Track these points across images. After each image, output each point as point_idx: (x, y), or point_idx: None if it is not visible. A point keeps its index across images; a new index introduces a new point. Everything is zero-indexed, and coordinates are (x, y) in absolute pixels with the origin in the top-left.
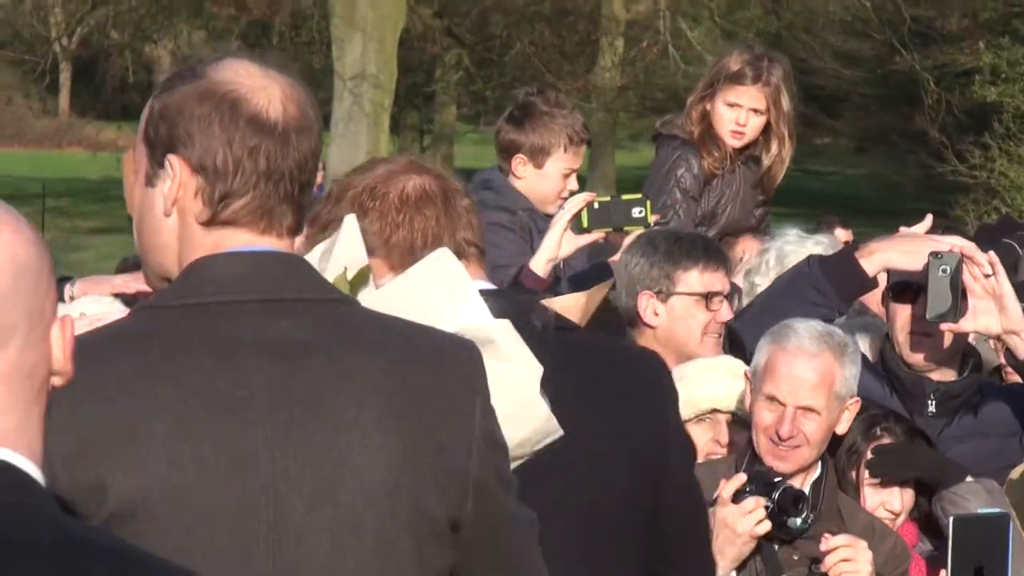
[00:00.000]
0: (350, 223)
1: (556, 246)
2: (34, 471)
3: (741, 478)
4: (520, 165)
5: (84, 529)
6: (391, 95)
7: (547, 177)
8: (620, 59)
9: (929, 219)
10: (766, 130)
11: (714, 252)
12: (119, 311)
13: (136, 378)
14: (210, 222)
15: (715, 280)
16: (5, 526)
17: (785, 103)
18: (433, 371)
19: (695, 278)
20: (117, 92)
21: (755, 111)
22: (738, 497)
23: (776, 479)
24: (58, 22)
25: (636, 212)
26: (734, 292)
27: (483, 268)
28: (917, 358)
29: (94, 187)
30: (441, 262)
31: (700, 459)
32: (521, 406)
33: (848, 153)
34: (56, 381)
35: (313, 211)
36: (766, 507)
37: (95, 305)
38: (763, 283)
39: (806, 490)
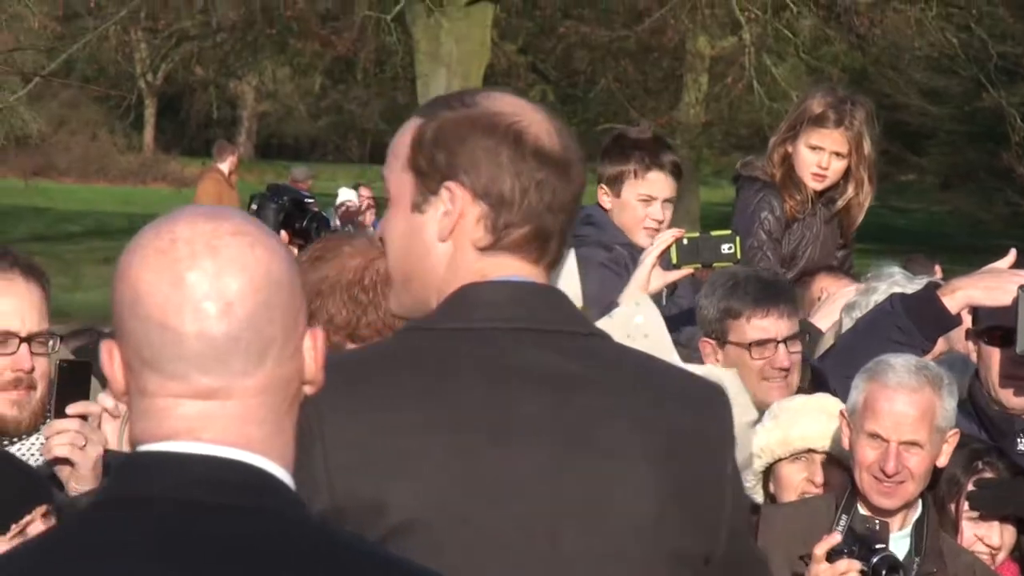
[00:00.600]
0: (571, 260)
1: (644, 282)
2: (287, 478)
3: (836, 538)
4: (604, 196)
5: (347, 535)
6: None
7: (626, 205)
8: (704, 95)
9: (1013, 254)
10: (846, 173)
11: (769, 296)
12: None
13: (412, 395)
14: (488, 248)
15: (768, 326)
16: (264, 530)
17: (867, 146)
18: (694, 410)
19: (745, 327)
20: (201, 128)
21: (837, 154)
22: (832, 557)
23: (877, 545)
24: (143, 58)
25: (726, 248)
26: (805, 332)
27: None
28: (1011, 399)
29: None
30: (640, 307)
31: (795, 498)
32: (740, 445)
33: (933, 190)
34: (307, 390)
35: None
36: (862, 571)
37: None
38: None
39: (909, 529)
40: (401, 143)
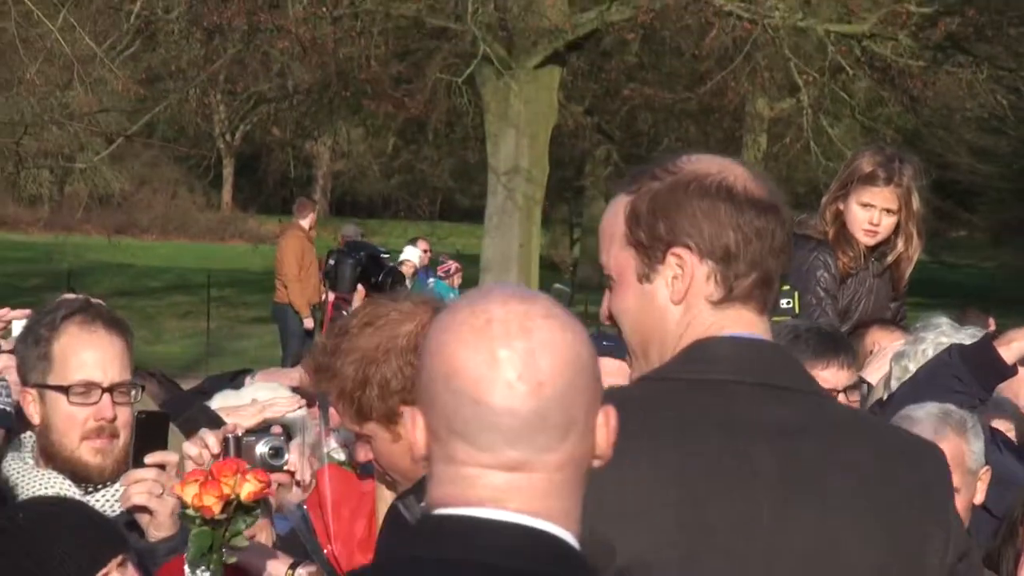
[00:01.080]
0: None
1: None
2: (579, 549)
3: None
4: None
5: None
6: (543, 189)
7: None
8: (763, 155)
9: None
10: (896, 228)
11: (829, 348)
12: (285, 395)
13: (651, 443)
14: (722, 301)
15: (829, 377)
16: None
17: (915, 202)
18: (916, 468)
19: None
20: (277, 186)
21: (887, 211)
22: None
23: None
24: (221, 119)
25: (785, 303)
26: (859, 385)
27: None
28: None
29: (256, 278)
30: None
31: None
32: None
33: (984, 245)
34: (596, 463)
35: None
36: None
37: (264, 392)
38: (915, 368)
39: None
40: (614, 223)
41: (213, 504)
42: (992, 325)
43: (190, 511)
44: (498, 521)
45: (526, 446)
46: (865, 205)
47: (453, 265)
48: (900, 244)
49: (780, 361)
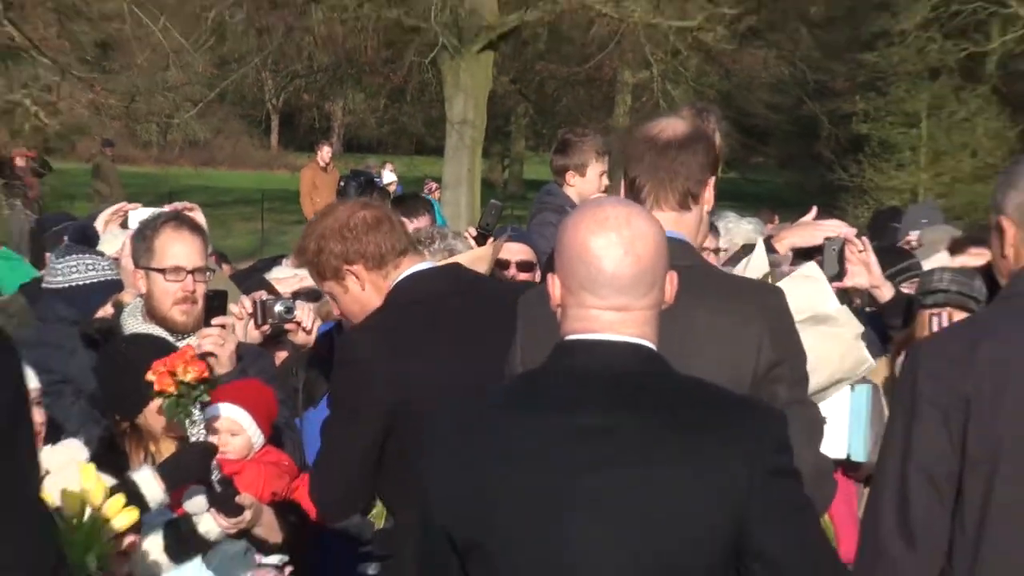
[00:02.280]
0: (759, 247)
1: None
2: (662, 356)
3: None
4: (572, 177)
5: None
6: (482, 133)
7: (590, 181)
8: (628, 110)
9: (814, 210)
10: None
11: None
12: (304, 272)
13: None
14: None
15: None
16: (665, 380)
17: (718, 139)
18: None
19: None
20: (307, 133)
21: None
22: None
23: None
24: (269, 89)
25: None
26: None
27: (421, 257)
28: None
29: (294, 195)
30: (809, 277)
31: None
32: (849, 355)
33: (774, 168)
34: (664, 306)
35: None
36: None
37: (286, 271)
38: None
39: None
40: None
41: (168, 385)
42: (775, 221)
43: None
44: (613, 341)
45: (629, 295)
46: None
47: (434, 184)
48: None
49: None
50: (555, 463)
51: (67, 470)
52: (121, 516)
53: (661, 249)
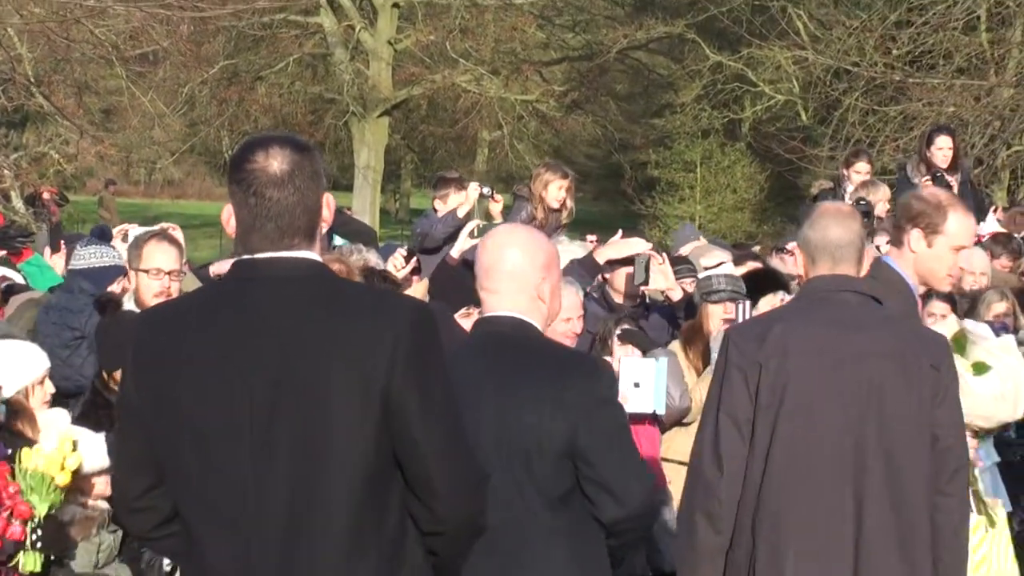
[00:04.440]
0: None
1: (464, 241)
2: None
3: None
4: (438, 202)
5: None
6: (380, 175)
7: (450, 206)
8: (486, 158)
9: (620, 232)
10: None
11: None
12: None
13: None
14: None
15: None
16: None
17: (572, 184)
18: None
19: None
20: None
21: (568, 189)
22: None
23: None
24: (227, 144)
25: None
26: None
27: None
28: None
29: None
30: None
31: None
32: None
33: (591, 201)
34: None
35: None
36: None
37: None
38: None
39: None
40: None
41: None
42: (596, 240)
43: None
44: (500, 316)
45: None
46: (558, 187)
47: (350, 214)
48: (570, 204)
49: None
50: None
51: (48, 432)
52: (70, 458)
53: (536, 258)
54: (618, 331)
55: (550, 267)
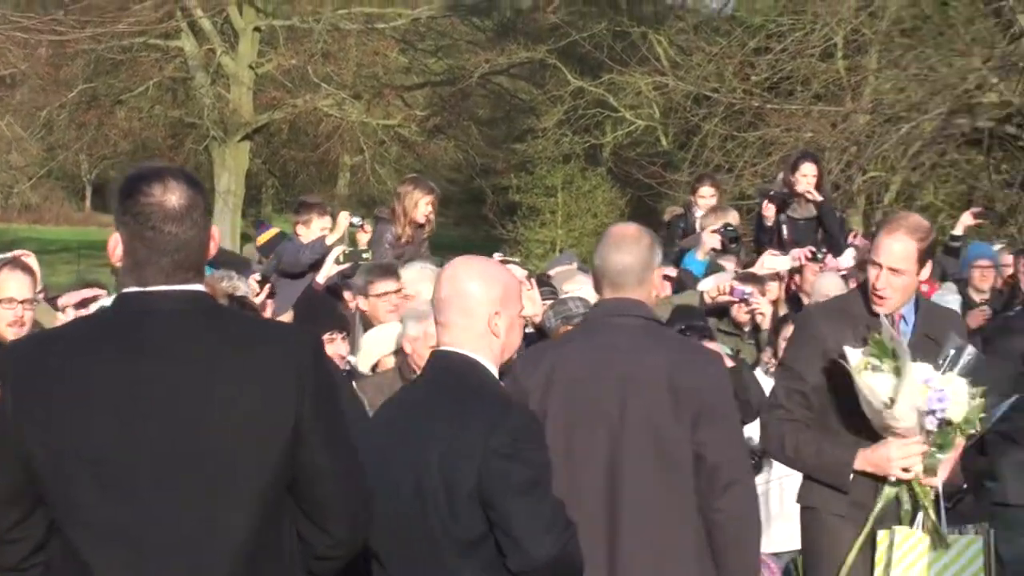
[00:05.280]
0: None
1: (330, 267)
2: None
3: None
4: (300, 227)
5: None
6: (241, 199)
7: (314, 231)
8: (348, 183)
9: (498, 255)
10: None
11: None
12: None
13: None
14: None
15: None
16: None
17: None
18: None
19: None
20: (114, 199)
21: (432, 204)
22: None
23: None
24: (85, 168)
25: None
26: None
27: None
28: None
29: (102, 245)
30: None
31: None
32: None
33: (452, 226)
34: None
35: None
36: None
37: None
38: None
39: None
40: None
41: None
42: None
43: None
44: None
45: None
46: (427, 202)
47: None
48: (432, 218)
49: None
50: None
51: None
52: None
53: (491, 291)
54: None
55: (507, 300)
